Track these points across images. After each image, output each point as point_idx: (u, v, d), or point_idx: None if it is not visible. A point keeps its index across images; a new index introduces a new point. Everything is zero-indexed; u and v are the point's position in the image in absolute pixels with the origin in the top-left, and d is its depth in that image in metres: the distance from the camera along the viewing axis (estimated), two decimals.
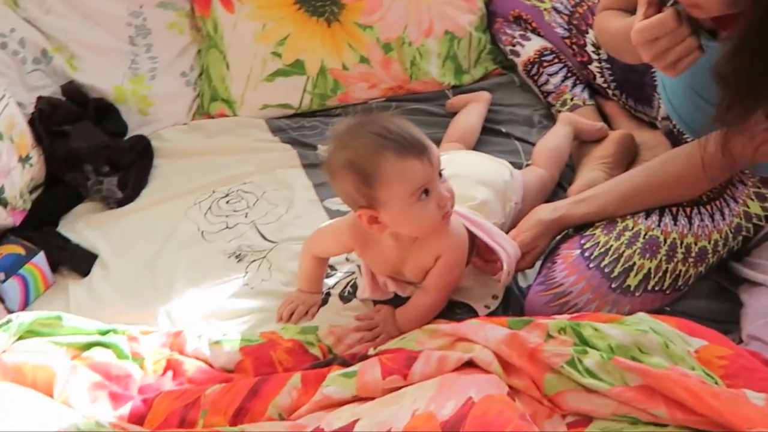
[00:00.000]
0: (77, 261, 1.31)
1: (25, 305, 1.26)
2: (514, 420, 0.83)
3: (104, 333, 1.12)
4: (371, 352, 1.08)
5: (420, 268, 1.15)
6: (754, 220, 1.21)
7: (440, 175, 1.06)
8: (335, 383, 1.00)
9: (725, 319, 1.18)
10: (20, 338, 1.06)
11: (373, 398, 0.99)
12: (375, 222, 1.07)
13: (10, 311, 1.23)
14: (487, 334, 1.01)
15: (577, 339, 1.01)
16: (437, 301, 1.16)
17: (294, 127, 1.61)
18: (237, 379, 1.09)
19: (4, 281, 1.22)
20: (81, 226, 1.41)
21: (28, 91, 1.48)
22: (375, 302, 1.24)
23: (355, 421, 0.91)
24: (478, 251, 1.22)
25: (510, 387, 0.96)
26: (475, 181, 1.26)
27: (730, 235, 1.20)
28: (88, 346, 1.09)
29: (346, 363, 1.07)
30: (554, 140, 1.44)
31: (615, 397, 0.93)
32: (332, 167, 1.07)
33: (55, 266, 1.30)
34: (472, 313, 1.20)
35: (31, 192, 1.39)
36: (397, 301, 1.21)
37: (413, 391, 0.95)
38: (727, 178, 1.18)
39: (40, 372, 1.02)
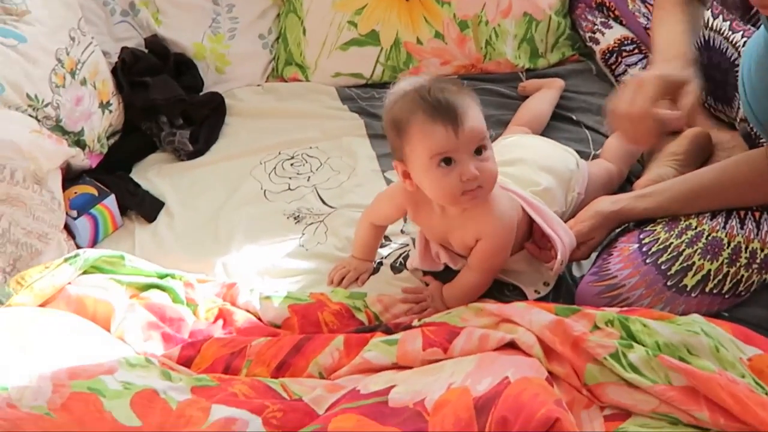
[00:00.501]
0: (145, 207, 1.37)
1: (94, 243, 1.32)
2: (548, 404, 0.83)
3: (162, 277, 1.17)
4: (416, 323, 1.09)
5: (463, 243, 1.15)
6: None
7: (480, 152, 1.04)
8: (377, 349, 1.02)
9: None
10: (84, 273, 1.12)
11: (411, 368, 1.00)
12: (408, 177, 1.09)
13: (78, 247, 1.30)
14: (532, 317, 1.01)
15: (623, 333, 0.99)
16: (481, 281, 1.16)
17: (364, 97, 1.62)
18: (283, 334, 1.12)
19: (76, 218, 1.28)
20: (152, 174, 1.47)
21: (114, 41, 1.54)
22: (425, 273, 1.25)
23: (391, 387, 0.93)
24: (534, 237, 1.21)
25: (550, 373, 0.96)
26: (540, 167, 1.25)
27: None
28: (147, 287, 1.14)
29: (389, 331, 1.09)
30: None
31: (657, 395, 0.92)
32: (384, 119, 1.10)
33: (124, 210, 1.36)
34: (522, 296, 1.20)
35: (108, 137, 1.45)
36: (446, 277, 1.22)
37: (452, 365, 0.96)
38: None
39: (101, 306, 1.07)
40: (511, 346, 1.00)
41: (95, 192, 1.32)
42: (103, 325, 1.06)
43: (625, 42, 1.53)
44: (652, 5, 1.49)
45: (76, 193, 1.32)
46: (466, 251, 1.16)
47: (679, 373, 0.91)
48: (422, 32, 1.59)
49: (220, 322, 1.15)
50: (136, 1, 1.57)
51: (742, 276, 1.12)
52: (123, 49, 1.49)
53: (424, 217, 1.17)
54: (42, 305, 1.07)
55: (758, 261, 1.12)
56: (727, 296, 1.12)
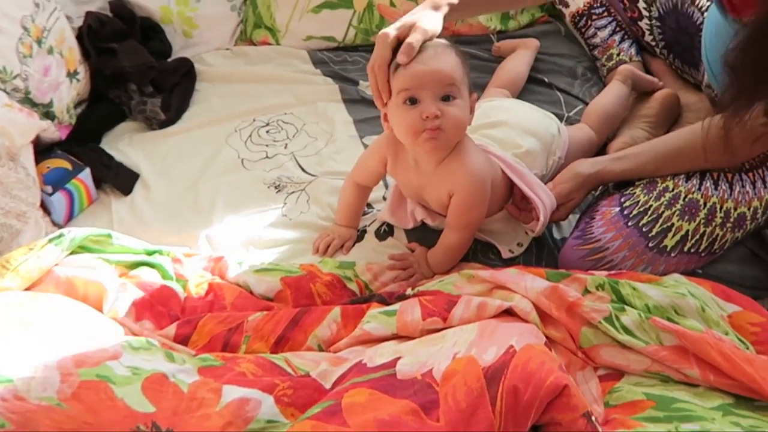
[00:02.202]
0: (120, 179, 1.33)
1: (69, 219, 1.28)
2: (554, 371, 0.86)
3: (150, 253, 1.15)
4: (409, 292, 1.10)
5: (438, 199, 1.16)
6: None
7: (447, 98, 1.05)
8: (376, 320, 1.03)
9: (756, 285, 1.20)
10: (72, 253, 1.09)
11: (411, 337, 1.02)
12: (386, 119, 1.11)
13: (55, 224, 1.26)
14: (527, 284, 1.04)
15: (614, 296, 1.04)
16: (460, 240, 1.18)
17: (336, 60, 1.60)
18: (277, 308, 1.12)
19: (51, 194, 1.23)
20: (123, 145, 1.42)
21: (74, 4, 1.46)
22: (409, 240, 1.26)
23: (397, 359, 0.94)
24: (514, 199, 1.24)
25: (546, 337, 1.00)
26: (523, 130, 1.26)
27: None
28: (135, 265, 1.12)
29: (384, 301, 1.10)
30: (611, 104, 1.42)
31: (649, 355, 0.96)
32: None
33: (98, 183, 1.32)
34: (506, 261, 1.23)
35: (75, 107, 1.39)
36: (431, 241, 1.23)
37: (453, 334, 0.98)
38: (728, 166, 1.18)
39: (91, 287, 1.05)
40: (508, 312, 1.03)
41: (69, 166, 1.27)
42: (94, 306, 1.04)
43: (594, 5, 1.55)
44: None
45: (48, 167, 1.27)
46: (442, 208, 1.18)
47: (670, 334, 0.96)
48: None
49: (211, 297, 1.14)
50: None
51: (717, 235, 1.17)
52: (88, 14, 1.42)
53: (401, 171, 1.17)
54: (28, 288, 1.04)
55: (732, 220, 1.18)
56: (703, 255, 1.18)
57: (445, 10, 1.11)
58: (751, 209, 1.19)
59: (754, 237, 1.25)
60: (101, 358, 0.88)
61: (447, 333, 0.99)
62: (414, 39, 1.03)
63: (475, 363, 0.89)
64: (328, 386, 0.94)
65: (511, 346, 0.91)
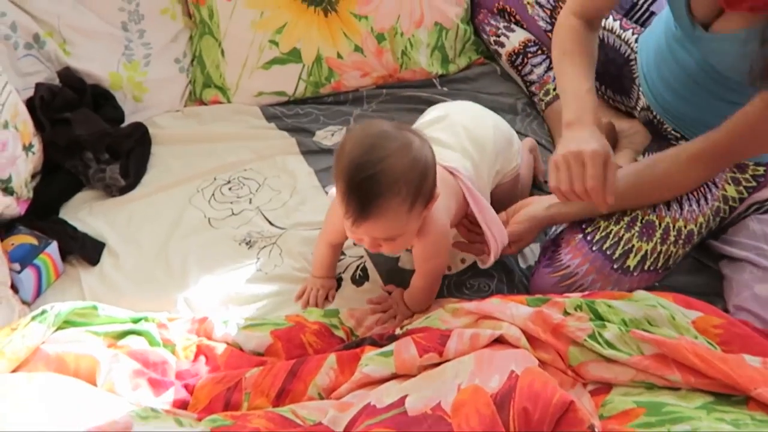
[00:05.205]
0: (87, 249, 1.31)
1: (38, 295, 1.25)
2: (558, 389, 0.91)
3: (136, 321, 1.13)
4: (398, 332, 1.14)
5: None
6: (731, 203, 1.33)
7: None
8: (373, 362, 1.06)
9: (707, 291, 1.30)
10: (57, 329, 1.06)
11: (410, 376, 1.05)
12: None
13: (23, 301, 1.22)
14: (512, 312, 1.09)
15: (592, 315, 1.10)
16: (427, 284, 1.22)
17: (288, 114, 1.64)
18: (271, 362, 1.13)
19: (20, 272, 1.20)
20: (84, 214, 1.40)
21: (19, 76, 1.44)
22: (385, 283, 1.30)
23: (404, 397, 0.97)
24: (468, 220, 1.27)
25: (538, 360, 1.05)
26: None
27: (711, 217, 1.32)
28: (123, 334, 1.11)
29: (375, 343, 1.13)
30: (526, 176, 1.46)
31: (633, 366, 1.03)
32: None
33: (63, 255, 1.29)
34: (480, 293, 1.28)
35: (31, 180, 1.36)
36: (405, 281, 1.26)
37: (452, 367, 1.02)
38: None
39: (83, 361, 1.03)
40: (498, 340, 1.08)
41: (35, 241, 1.24)
42: (87, 380, 1.02)
43: (529, 44, 1.66)
44: (550, 9, 1.63)
45: (13, 244, 1.24)
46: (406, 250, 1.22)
47: (650, 343, 1.03)
48: (342, 47, 1.63)
49: (202, 358, 1.13)
50: (40, 32, 1.47)
51: (672, 252, 1.27)
52: (38, 85, 1.40)
53: None
54: (16, 369, 1.01)
55: (683, 237, 1.28)
56: (660, 271, 1.27)
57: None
58: (698, 225, 1.30)
59: (698, 247, 1.36)
60: None
61: (446, 366, 1.03)
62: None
63: (482, 391, 0.93)
64: (341, 431, 0.95)
65: (513, 372, 0.95)
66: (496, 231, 1.22)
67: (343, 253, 1.34)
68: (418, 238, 1.14)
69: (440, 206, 1.16)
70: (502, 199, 1.35)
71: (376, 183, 1.01)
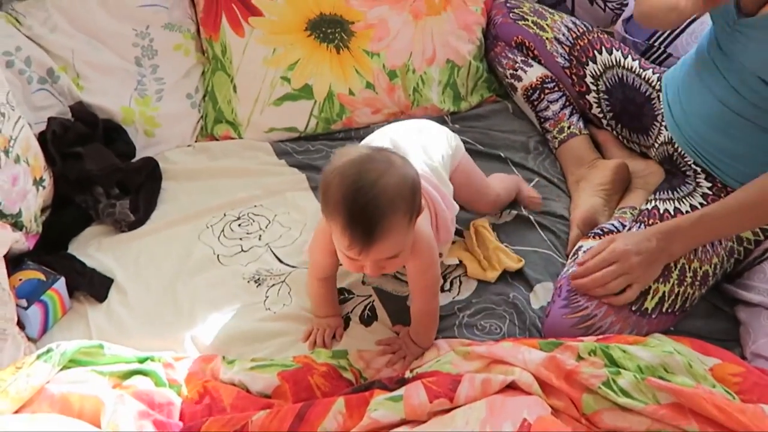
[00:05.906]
0: (95, 286, 1.30)
1: (44, 331, 1.24)
2: None
3: (142, 361, 1.12)
4: (408, 375, 1.12)
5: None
6: (745, 244, 1.32)
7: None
8: (383, 407, 1.04)
9: (724, 337, 1.27)
10: (63, 368, 1.05)
11: (420, 421, 1.03)
12: None
13: (29, 338, 1.21)
14: (525, 356, 1.07)
15: (606, 360, 1.08)
16: (426, 305, 1.20)
17: (299, 150, 1.63)
18: (278, 404, 1.11)
19: (27, 308, 1.19)
20: (92, 250, 1.39)
21: (32, 111, 1.45)
22: (393, 323, 1.28)
23: None
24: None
25: (550, 407, 1.02)
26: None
27: (725, 257, 1.30)
28: (128, 374, 1.09)
29: (385, 387, 1.10)
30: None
31: (649, 415, 1.00)
32: (320, 181, 1.09)
33: (71, 291, 1.28)
34: (492, 335, 1.26)
35: (41, 214, 1.36)
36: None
37: (463, 413, 1.00)
38: None
39: (88, 402, 1.01)
40: (510, 386, 1.06)
41: (43, 277, 1.24)
42: (91, 422, 1.00)
43: (546, 80, 1.65)
44: (569, 47, 1.62)
45: (21, 280, 1.23)
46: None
47: (666, 392, 1.01)
48: (354, 83, 1.63)
49: (207, 399, 1.11)
50: (55, 67, 1.48)
51: (689, 294, 1.25)
52: (51, 119, 1.41)
53: None
54: (20, 410, 0.99)
55: (699, 278, 1.26)
56: (677, 313, 1.25)
57: None
58: (713, 266, 1.28)
59: (714, 291, 1.34)
60: None
61: (456, 413, 1.01)
62: None
63: None
64: None
65: (525, 420, 0.93)
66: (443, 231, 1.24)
67: (351, 293, 1.33)
68: (412, 252, 1.13)
69: (425, 223, 1.16)
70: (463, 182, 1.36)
71: (377, 205, 1.01)
